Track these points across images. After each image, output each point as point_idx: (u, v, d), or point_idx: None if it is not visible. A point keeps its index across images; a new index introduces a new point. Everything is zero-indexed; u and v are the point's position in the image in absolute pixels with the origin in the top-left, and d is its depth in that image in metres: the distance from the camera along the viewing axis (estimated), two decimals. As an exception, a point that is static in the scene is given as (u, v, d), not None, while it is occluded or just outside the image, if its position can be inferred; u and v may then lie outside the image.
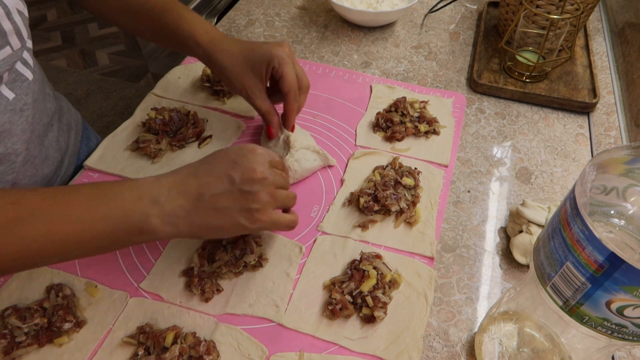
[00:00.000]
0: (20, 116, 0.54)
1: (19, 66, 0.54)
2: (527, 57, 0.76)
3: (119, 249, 0.45)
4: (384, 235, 0.57)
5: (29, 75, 0.55)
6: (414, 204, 0.59)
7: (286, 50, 0.59)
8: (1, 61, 0.49)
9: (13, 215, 0.40)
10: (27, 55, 0.55)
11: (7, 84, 0.52)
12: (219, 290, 0.52)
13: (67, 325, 0.47)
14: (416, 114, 0.69)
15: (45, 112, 0.62)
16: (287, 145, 0.62)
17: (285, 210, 0.52)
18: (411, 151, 0.67)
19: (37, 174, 0.61)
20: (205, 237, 0.48)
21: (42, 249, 0.41)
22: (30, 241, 0.40)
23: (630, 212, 0.31)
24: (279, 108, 0.64)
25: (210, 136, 0.68)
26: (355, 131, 0.70)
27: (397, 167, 0.62)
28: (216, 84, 0.74)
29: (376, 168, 0.63)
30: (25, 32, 0.52)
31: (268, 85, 0.64)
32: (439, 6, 0.96)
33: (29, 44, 0.55)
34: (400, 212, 0.58)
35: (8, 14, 0.49)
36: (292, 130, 0.64)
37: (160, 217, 0.43)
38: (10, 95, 0.53)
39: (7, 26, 0.49)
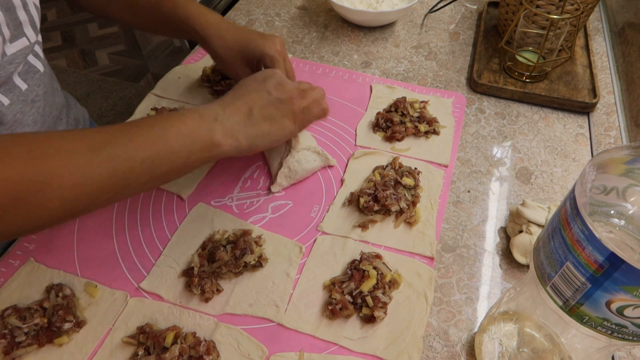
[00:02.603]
0: (32, 107, 0.57)
1: (31, 58, 0.56)
2: (527, 57, 0.76)
3: (193, 169, 0.49)
4: (384, 235, 0.57)
5: (40, 67, 0.57)
6: (414, 204, 0.59)
7: (277, 48, 0.61)
8: (18, 52, 0.51)
9: (100, 138, 0.43)
10: (38, 48, 0.57)
11: (20, 74, 0.55)
12: (219, 290, 0.52)
13: (67, 325, 0.47)
14: (416, 114, 0.69)
15: (55, 106, 0.64)
16: (289, 146, 0.62)
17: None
18: (411, 151, 0.67)
19: None
20: (260, 146, 0.52)
21: (131, 168, 0.43)
22: (121, 160, 0.43)
23: (630, 212, 0.31)
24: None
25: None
26: (355, 131, 0.70)
27: (397, 167, 0.62)
28: (216, 84, 0.74)
29: (376, 168, 0.63)
30: (38, 25, 0.54)
31: None
32: (439, 6, 0.96)
33: (40, 37, 0.57)
34: (400, 212, 0.58)
35: (25, 5, 0.51)
36: None
37: (222, 132, 0.49)
38: (23, 86, 0.55)
39: (23, 17, 0.51)
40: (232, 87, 0.54)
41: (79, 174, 0.41)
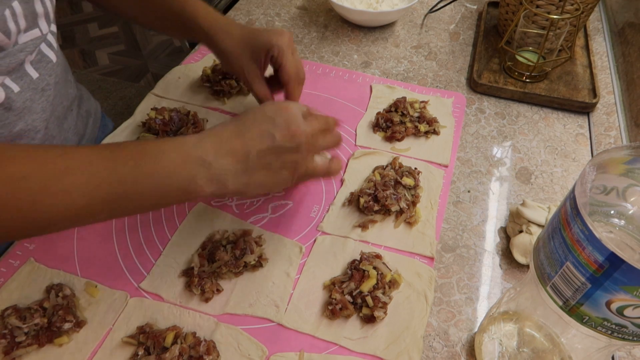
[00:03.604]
0: (42, 95, 0.57)
1: (44, 48, 0.57)
2: (527, 57, 0.76)
3: (164, 207, 0.46)
4: (384, 235, 0.57)
5: (52, 57, 0.58)
6: (414, 204, 0.59)
7: (286, 40, 0.59)
8: (30, 41, 0.52)
9: (62, 166, 0.39)
10: (51, 38, 0.58)
11: (32, 63, 0.55)
12: (219, 290, 0.52)
13: (67, 325, 0.47)
14: (416, 114, 0.69)
15: (66, 96, 0.65)
16: None
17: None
18: (411, 151, 0.67)
19: None
20: (249, 194, 0.48)
21: (89, 204, 0.40)
22: (79, 194, 0.39)
23: (630, 212, 0.31)
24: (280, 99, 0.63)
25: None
26: (355, 131, 0.70)
27: (397, 167, 0.62)
28: (216, 84, 0.74)
29: (376, 168, 0.63)
30: (52, 16, 0.55)
31: (270, 75, 0.64)
32: (439, 6, 0.96)
33: (54, 27, 0.58)
34: (400, 212, 0.58)
35: None
36: None
37: (207, 178, 0.43)
38: (34, 74, 0.56)
39: (40, 9, 0.52)
40: (238, 116, 0.48)
41: (29, 201, 0.38)
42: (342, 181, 0.64)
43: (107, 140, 0.68)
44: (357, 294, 0.50)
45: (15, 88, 0.54)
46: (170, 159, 0.43)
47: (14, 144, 0.44)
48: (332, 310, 0.49)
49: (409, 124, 0.69)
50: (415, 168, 0.63)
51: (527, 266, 0.55)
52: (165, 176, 0.42)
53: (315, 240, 0.57)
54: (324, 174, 0.52)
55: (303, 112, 0.49)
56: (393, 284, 0.52)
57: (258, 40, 0.59)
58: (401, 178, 0.60)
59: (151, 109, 0.69)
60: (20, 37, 0.51)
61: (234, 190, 0.46)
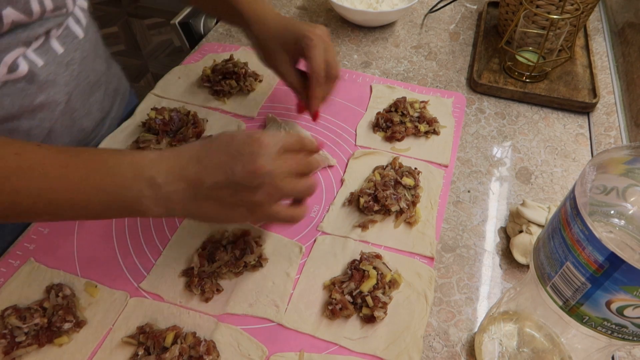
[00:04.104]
0: (66, 69, 0.58)
1: (71, 23, 0.58)
2: (527, 57, 0.76)
3: (108, 218, 0.47)
4: (384, 235, 0.57)
5: (79, 33, 0.60)
6: (414, 204, 0.59)
7: (318, 33, 0.57)
8: (54, 18, 0.54)
9: (14, 166, 0.40)
10: (79, 14, 0.59)
11: (58, 38, 0.57)
12: (219, 290, 0.52)
13: (67, 325, 0.47)
14: (416, 114, 0.69)
15: (94, 72, 0.65)
16: None
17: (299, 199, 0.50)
18: (411, 151, 0.67)
19: (75, 125, 0.64)
20: (202, 220, 0.47)
21: (33, 205, 0.41)
22: (24, 196, 0.40)
23: (630, 212, 0.31)
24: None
25: (210, 136, 0.68)
26: (355, 131, 0.70)
27: (397, 167, 0.62)
28: (216, 84, 0.74)
29: (376, 168, 0.63)
30: None
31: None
32: (439, 6, 0.96)
33: (83, 2, 0.60)
34: (400, 212, 0.58)
35: None
36: (315, 119, 0.63)
37: (154, 199, 0.42)
38: (59, 49, 0.57)
39: None
40: (208, 138, 0.46)
41: None
42: (342, 181, 0.64)
43: (107, 140, 0.68)
44: (357, 294, 0.50)
45: (39, 62, 0.54)
46: (121, 174, 0.42)
47: None
48: (332, 310, 0.49)
49: (409, 124, 0.69)
50: (415, 168, 0.63)
51: (527, 266, 0.55)
52: (111, 192, 0.42)
53: (315, 240, 0.57)
54: (286, 221, 0.48)
55: (280, 148, 0.44)
56: (393, 284, 0.52)
57: (289, 31, 0.58)
58: (401, 178, 0.60)
59: (151, 109, 0.69)
60: (45, 14, 0.53)
61: (180, 214, 0.44)
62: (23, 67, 0.52)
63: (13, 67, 0.51)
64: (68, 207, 0.42)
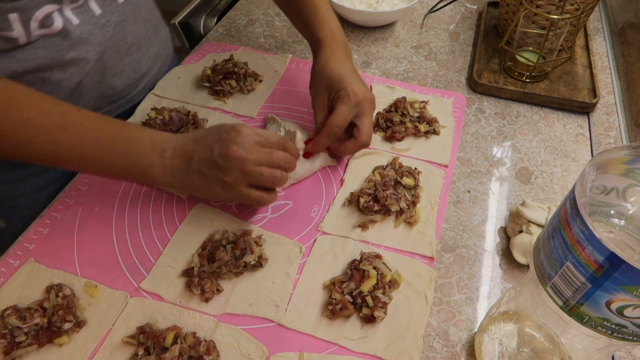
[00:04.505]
0: (100, 30, 0.63)
1: None
2: (527, 57, 0.76)
3: (123, 179, 0.56)
4: (384, 235, 0.57)
5: None
6: (414, 204, 0.59)
7: (357, 95, 0.58)
8: None
9: (58, 123, 0.50)
10: None
11: (97, 0, 0.62)
12: (219, 290, 0.52)
13: (67, 325, 0.47)
14: (416, 114, 0.69)
15: (132, 34, 0.69)
16: (292, 140, 0.62)
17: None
18: (411, 151, 0.67)
19: (104, 82, 0.68)
20: (192, 193, 0.55)
21: (68, 157, 0.51)
22: (62, 148, 0.50)
23: (630, 212, 0.31)
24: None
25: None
26: (355, 131, 0.70)
27: (397, 167, 0.62)
28: (216, 84, 0.74)
29: (376, 168, 0.63)
30: None
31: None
32: (439, 6, 0.96)
33: None
34: (400, 212, 0.58)
35: None
36: (307, 156, 0.63)
37: (161, 168, 0.52)
38: (97, 10, 0.62)
39: None
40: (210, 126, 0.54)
41: (20, 140, 0.48)
42: (342, 181, 0.64)
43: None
44: (357, 294, 0.50)
45: (75, 20, 0.59)
46: (142, 144, 0.52)
47: (30, 91, 0.50)
48: (332, 310, 0.49)
49: (409, 124, 0.69)
50: (415, 168, 0.63)
51: (527, 266, 0.55)
52: (132, 157, 0.51)
53: (315, 240, 0.57)
54: (256, 204, 0.55)
55: (260, 140, 0.52)
56: (393, 284, 0.52)
57: (339, 80, 0.59)
58: (401, 178, 0.60)
59: (151, 109, 0.69)
60: None
61: (179, 185, 0.53)
62: (58, 24, 0.57)
63: (47, 23, 0.57)
64: (95, 163, 0.52)
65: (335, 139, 0.60)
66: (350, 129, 0.61)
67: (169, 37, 0.83)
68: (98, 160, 0.51)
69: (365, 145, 0.61)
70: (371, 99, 0.60)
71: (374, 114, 0.71)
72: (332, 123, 0.58)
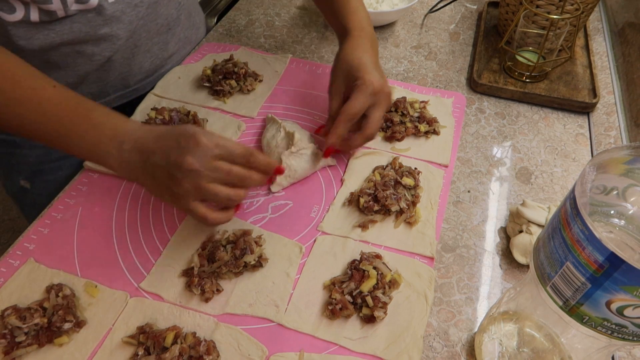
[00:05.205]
0: (133, 10, 0.67)
1: None
2: (527, 57, 0.76)
3: (77, 157, 0.56)
4: (384, 235, 0.57)
5: None
6: (414, 204, 0.59)
7: (375, 84, 0.57)
8: None
9: (26, 96, 0.51)
10: None
11: None
12: (219, 290, 0.52)
13: (67, 325, 0.47)
14: (416, 114, 0.69)
15: (163, 16, 0.74)
16: (291, 140, 0.62)
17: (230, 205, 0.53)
18: (411, 151, 0.67)
19: (134, 59, 0.73)
20: (150, 192, 0.56)
21: (33, 131, 0.53)
22: (27, 122, 0.52)
23: (630, 212, 0.31)
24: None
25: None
26: (355, 131, 0.70)
27: (397, 167, 0.62)
28: (216, 84, 0.74)
29: (376, 168, 0.63)
30: None
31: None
32: (439, 6, 0.96)
33: None
34: (400, 212, 0.58)
35: None
36: (326, 155, 0.62)
37: (117, 160, 0.51)
38: None
39: None
40: (177, 126, 0.53)
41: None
42: (342, 181, 0.64)
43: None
44: (357, 294, 0.50)
45: None
46: (102, 132, 0.52)
47: (16, 63, 0.52)
48: (332, 310, 0.49)
49: (409, 124, 0.69)
50: (415, 168, 0.63)
51: (527, 266, 0.55)
52: (89, 143, 0.52)
53: (315, 240, 0.57)
54: (200, 220, 0.51)
55: (221, 154, 0.48)
56: (393, 284, 0.52)
57: (358, 68, 0.59)
58: (401, 178, 0.60)
59: (151, 109, 0.69)
60: None
61: (134, 180, 0.54)
62: (93, 0, 0.61)
63: None
64: (57, 142, 0.53)
65: (350, 126, 0.59)
66: (359, 122, 0.60)
67: (202, 22, 0.87)
68: (59, 140, 0.52)
69: (372, 137, 0.61)
70: (387, 92, 0.59)
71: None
72: (348, 110, 0.58)
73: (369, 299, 0.49)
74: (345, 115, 0.58)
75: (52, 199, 0.61)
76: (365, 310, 0.49)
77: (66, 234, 0.57)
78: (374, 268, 0.51)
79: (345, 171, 0.65)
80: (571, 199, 0.33)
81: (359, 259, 0.53)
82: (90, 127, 0.52)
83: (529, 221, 0.55)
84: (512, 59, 0.79)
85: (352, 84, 0.59)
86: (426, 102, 0.72)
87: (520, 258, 0.55)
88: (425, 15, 0.95)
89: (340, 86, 0.61)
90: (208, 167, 0.47)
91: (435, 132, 0.69)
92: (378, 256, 0.54)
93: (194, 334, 0.48)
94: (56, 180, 0.70)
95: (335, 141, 0.59)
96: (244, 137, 0.70)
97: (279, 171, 0.57)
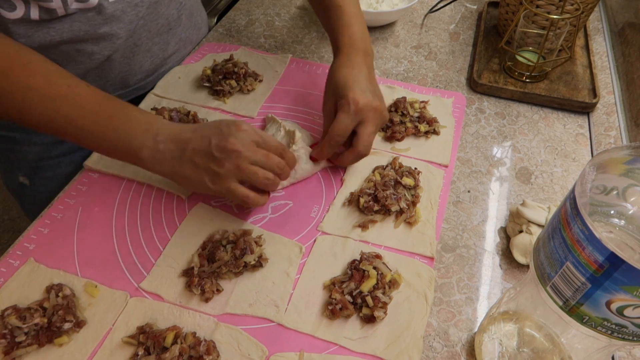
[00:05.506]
0: (133, 9, 0.66)
1: None
2: (527, 57, 0.76)
3: (115, 158, 0.56)
4: (384, 235, 0.57)
5: None
6: (414, 204, 0.59)
7: (359, 103, 0.57)
8: None
9: (63, 93, 0.52)
10: None
11: None
12: (219, 290, 0.52)
13: (67, 325, 0.47)
14: (416, 114, 0.69)
15: (164, 16, 0.74)
16: (292, 140, 0.62)
17: (259, 189, 0.54)
18: (411, 151, 0.67)
19: (134, 58, 0.73)
20: (178, 182, 0.54)
21: (65, 127, 0.52)
22: (61, 117, 0.52)
23: (630, 212, 0.31)
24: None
25: None
26: (355, 131, 0.70)
27: (397, 167, 0.62)
28: (216, 84, 0.74)
29: (376, 168, 0.63)
30: None
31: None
32: (439, 6, 0.96)
33: None
34: (400, 212, 0.58)
35: None
36: (314, 160, 0.63)
37: (151, 151, 0.52)
38: None
39: None
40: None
41: (24, 105, 0.51)
42: (342, 181, 0.64)
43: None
44: (357, 294, 0.50)
45: None
46: (136, 124, 0.53)
47: (47, 62, 0.54)
48: (332, 310, 0.49)
49: (409, 124, 0.69)
50: (415, 168, 0.63)
51: (527, 266, 0.55)
52: (123, 134, 0.52)
53: (315, 240, 0.57)
54: (241, 202, 0.53)
55: (259, 141, 0.52)
56: (393, 284, 0.52)
57: (341, 86, 0.59)
58: (401, 178, 0.60)
59: (151, 109, 0.69)
60: None
61: (167, 172, 0.53)
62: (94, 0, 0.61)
63: None
64: (90, 137, 0.53)
65: (337, 147, 0.60)
66: (351, 139, 0.60)
67: (205, 22, 0.87)
68: (92, 134, 0.52)
69: (362, 155, 0.60)
70: (375, 107, 0.58)
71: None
72: (331, 132, 0.58)
73: (369, 299, 0.49)
74: (330, 137, 0.58)
75: (52, 196, 0.61)
76: (365, 310, 0.49)
77: (66, 234, 0.57)
78: (374, 268, 0.51)
79: (345, 171, 0.65)
80: (571, 199, 0.33)
81: (359, 259, 0.53)
82: (124, 121, 0.53)
83: (529, 221, 0.55)
84: (512, 59, 0.79)
85: (338, 102, 0.59)
86: (426, 102, 0.73)
87: (520, 258, 0.55)
88: (425, 15, 0.95)
89: (330, 105, 0.61)
90: (249, 149, 0.51)
91: (435, 132, 0.69)
92: (378, 256, 0.54)
93: (194, 334, 0.48)
94: (55, 178, 0.70)
95: (321, 158, 0.62)
96: (244, 137, 0.70)
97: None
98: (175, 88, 0.77)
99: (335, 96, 0.60)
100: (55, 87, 0.52)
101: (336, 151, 0.61)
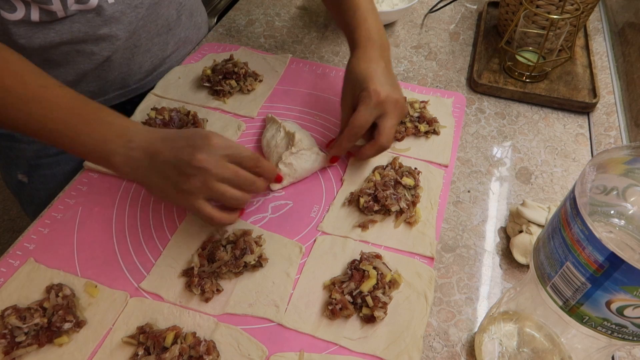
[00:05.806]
0: (133, 11, 0.67)
1: None
2: (527, 57, 0.76)
3: (86, 160, 0.57)
4: (384, 235, 0.57)
5: None
6: (414, 204, 0.59)
7: (380, 95, 0.57)
8: None
9: (37, 95, 0.51)
10: None
11: None
12: (219, 290, 0.52)
13: (67, 325, 0.47)
14: (416, 114, 0.69)
15: (164, 16, 0.75)
16: (291, 141, 0.62)
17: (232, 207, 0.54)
18: (411, 151, 0.67)
19: (133, 58, 0.74)
20: (149, 192, 0.54)
21: (39, 130, 0.52)
22: (34, 120, 0.51)
23: (630, 212, 0.31)
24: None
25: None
26: (355, 131, 0.70)
27: (397, 167, 0.62)
28: (216, 84, 0.74)
29: (376, 168, 0.63)
30: None
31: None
32: (439, 6, 0.96)
33: None
34: (400, 212, 0.58)
35: None
36: (333, 161, 0.63)
37: (123, 157, 0.51)
38: None
39: None
40: (184, 129, 0.54)
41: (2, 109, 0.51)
42: (342, 181, 0.64)
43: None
44: (357, 294, 0.50)
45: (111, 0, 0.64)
46: (109, 129, 0.52)
47: (22, 62, 0.53)
48: (332, 310, 0.49)
49: (409, 124, 0.69)
50: (415, 168, 0.63)
51: (527, 266, 0.55)
52: (96, 140, 0.51)
53: (315, 240, 0.57)
54: (206, 220, 0.52)
55: (231, 154, 0.50)
56: (393, 284, 0.52)
57: (365, 80, 0.58)
58: (401, 178, 0.60)
59: (151, 109, 0.69)
60: None
61: (138, 180, 0.53)
62: (93, 1, 0.62)
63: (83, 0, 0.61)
64: (63, 141, 0.52)
65: (356, 140, 0.59)
66: (373, 131, 0.60)
67: (205, 22, 0.88)
68: (65, 138, 0.51)
69: (384, 147, 0.60)
70: (396, 100, 0.58)
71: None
72: (352, 123, 0.58)
73: (369, 299, 0.49)
74: (350, 129, 0.58)
75: (50, 194, 0.61)
76: (365, 310, 0.49)
77: (66, 234, 0.57)
78: (374, 268, 0.51)
79: (345, 171, 0.65)
80: (571, 199, 0.33)
81: (359, 259, 0.53)
82: (98, 125, 0.52)
83: (529, 221, 0.55)
84: (512, 59, 0.79)
85: (357, 95, 0.59)
86: (426, 102, 0.72)
87: (520, 258, 0.55)
88: (425, 15, 0.95)
89: (348, 99, 0.61)
90: (217, 165, 0.49)
91: (435, 132, 0.69)
92: (378, 256, 0.54)
93: (194, 334, 0.48)
94: (54, 176, 0.70)
95: (339, 153, 0.62)
96: (244, 137, 0.70)
97: (278, 179, 0.60)
98: (175, 88, 0.77)
99: (354, 90, 0.59)
100: (29, 88, 0.51)
101: (353, 147, 0.61)
